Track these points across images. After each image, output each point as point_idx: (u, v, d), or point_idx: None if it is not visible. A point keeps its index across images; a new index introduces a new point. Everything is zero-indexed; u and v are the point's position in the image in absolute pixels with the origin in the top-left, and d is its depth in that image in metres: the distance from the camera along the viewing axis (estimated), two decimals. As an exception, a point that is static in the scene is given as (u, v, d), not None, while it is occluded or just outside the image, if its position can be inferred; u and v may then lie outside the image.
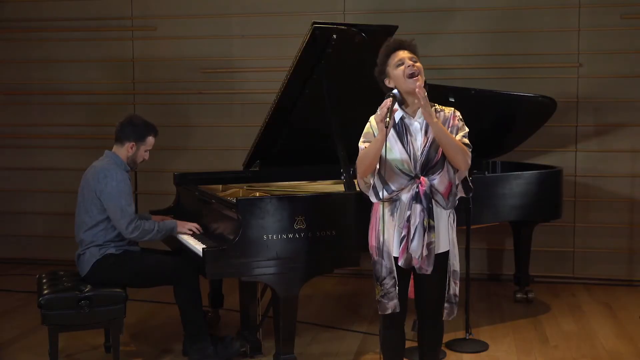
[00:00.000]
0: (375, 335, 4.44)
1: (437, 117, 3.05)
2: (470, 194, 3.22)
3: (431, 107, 3.17)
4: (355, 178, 4.02)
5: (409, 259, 3.09)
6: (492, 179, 4.82)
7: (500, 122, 5.15)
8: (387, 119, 2.93)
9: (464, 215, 4.29)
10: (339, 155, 3.96)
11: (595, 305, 5.24)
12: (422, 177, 3.07)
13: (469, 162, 3.12)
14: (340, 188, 4.13)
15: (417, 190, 3.07)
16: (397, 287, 3.13)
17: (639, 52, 5.65)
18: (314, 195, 3.89)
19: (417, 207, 3.06)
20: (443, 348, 4.22)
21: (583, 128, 5.79)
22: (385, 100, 3.02)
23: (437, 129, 3.02)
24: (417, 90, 2.99)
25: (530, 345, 4.37)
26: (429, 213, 3.06)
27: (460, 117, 3.18)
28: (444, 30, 5.89)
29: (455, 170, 3.15)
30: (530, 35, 5.78)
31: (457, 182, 3.17)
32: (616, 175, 5.76)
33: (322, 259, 3.74)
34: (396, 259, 3.13)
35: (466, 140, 3.13)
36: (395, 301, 3.13)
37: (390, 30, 4.34)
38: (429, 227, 3.06)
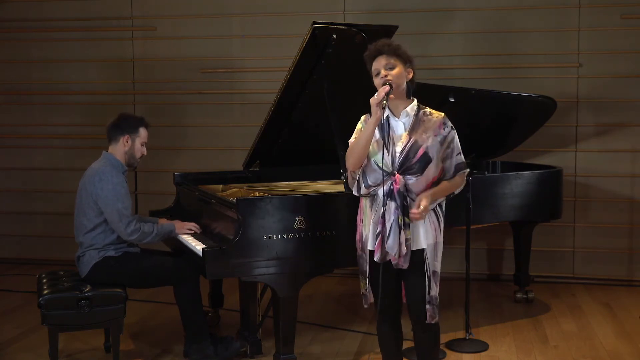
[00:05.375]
0: (375, 335, 4.43)
1: (424, 202, 3.06)
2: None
3: (421, 109, 3.20)
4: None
5: (384, 254, 3.10)
6: (492, 179, 4.81)
7: (500, 122, 5.15)
8: (384, 102, 3.01)
9: (464, 215, 4.29)
10: (339, 155, 3.96)
11: (595, 305, 5.24)
12: (397, 175, 3.09)
13: (463, 185, 3.24)
14: (340, 188, 4.13)
15: (391, 187, 3.09)
16: (368, 281, 3.22)
17: (639, 52, 5.65)
18: (314, 195, 3.90)
19: (392, 205, 3.08)
20: (443, 348, 4.22)
21: (583, 128, 5.79)
22: (384, 86, 3.07)
23: (433, 200, 3.11)
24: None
25: (530, 345, 4.37)
26: (403, 211, 3.08)
27: (451, 125, 3.19)
28: (444, 30, 5.89)
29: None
30: (531, 35, 5.78)
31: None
32: (616, 175, 5.76)
33: (322, 259, 3.75)
34: (372, 252, 3.15)
35: (461, 159, 3.20)
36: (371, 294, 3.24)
37: (390, 30, 4.34)
38: (404, 225, 3.07)
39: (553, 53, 5.76)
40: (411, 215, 3.05)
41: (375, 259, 3.12)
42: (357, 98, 4.29)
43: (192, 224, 4.17)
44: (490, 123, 5.09)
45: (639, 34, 5.63)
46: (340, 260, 3.81)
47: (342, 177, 3.96)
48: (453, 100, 4.55)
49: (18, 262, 6.51)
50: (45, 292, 3.78)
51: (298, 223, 3.67)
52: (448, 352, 4.24)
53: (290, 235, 3.65)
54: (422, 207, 3.03)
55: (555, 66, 5.77)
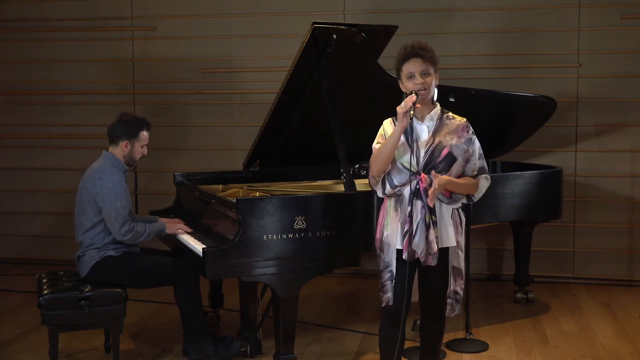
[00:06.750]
0: (376, 335, 4.44)
1: (438, 180, 3.08)
2: (471, 204, 3.30)
3: (444, 113, 3.23)
4: (356, 178, 4.04)
5: (412, 252, 3.13)
6: (492, 179, 4.80)
7: (500, 122, 5.15)
8: (412, 112, 3.02)
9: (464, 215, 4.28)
10: (339, 155, 3.96)
11: (595, 305, 5.24)
12: (422, 174, 3.11)
13: (483, 190, 3.27)
14: (340, 188, 4.13)
15: (417, 186, 3.11)
16: (392, 281, 3.19)
17: (639, 52, 5.65)
18: (314, 195, 3.89)
19: (418, 204, 3.11)
20: (443, 348, 4.22)
21: (583, 128, 5.79)
22: (410, 95, 3.06)
23: (452, 188, 3.14)
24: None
25: (530, 345, 4.37)
26: (430, 209, 3.11)
27: (473, 130, 3.23)
28: (444, 30, 5.89)
29: None
30: (530, 35, 5.78)
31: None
32: (616, 175, 5.76)
33: (322, 259, 3.74)
34: (400, 251, 3.17)
35: (482, 164, 3.24)
36: (389, 294, 3.21)
37: (390, 30, 4.34)
38: (432, 223, 3.11)
39: (553, 53, 5.76)
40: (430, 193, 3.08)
41: (403, 257, 3.14)
42: (357, 98, 4.30)
43: (181, 224, 4.18)
44: (490, 123, 5.08)
45: (639, 34, 5.63)
46: (340, 260, 3.81)
47: (342, 177, 3.97)
48: (453, 100, 4.55)
49: (18, 262, 6.51)
50: (45, 292, 3.78)
51: (298, 223, 3.67)
52: (448, 352, 4.24)
53: (290, 235, 3.65)
54: (435, 183, 3.05)
55: (555, 66, 5.77)
